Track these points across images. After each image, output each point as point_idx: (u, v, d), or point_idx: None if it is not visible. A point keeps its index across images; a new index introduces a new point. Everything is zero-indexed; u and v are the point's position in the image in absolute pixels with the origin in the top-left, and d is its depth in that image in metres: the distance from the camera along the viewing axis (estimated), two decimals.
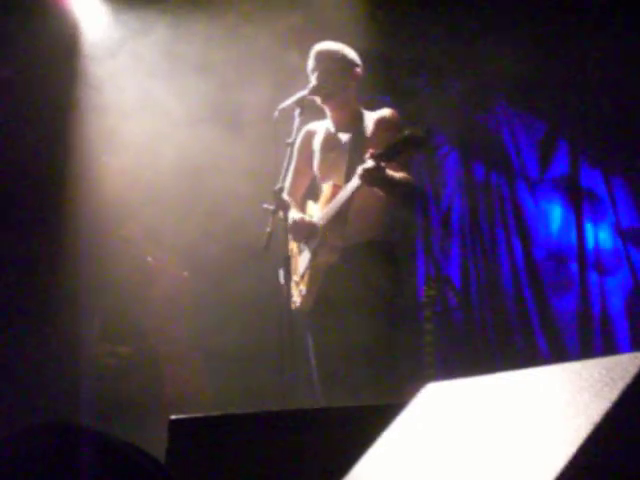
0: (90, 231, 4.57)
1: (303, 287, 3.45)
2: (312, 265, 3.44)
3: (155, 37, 4.66)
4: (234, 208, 4.52)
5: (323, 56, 3.54)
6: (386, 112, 3.57)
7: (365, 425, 1.73)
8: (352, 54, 3.60)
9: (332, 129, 3.63)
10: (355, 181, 3.25)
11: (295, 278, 3.46)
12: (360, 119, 3.56)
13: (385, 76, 4.92)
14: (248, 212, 4.18)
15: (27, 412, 4.18)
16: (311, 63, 3.56)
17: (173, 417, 2.06)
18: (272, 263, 3.58)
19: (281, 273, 3.42)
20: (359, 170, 3.21)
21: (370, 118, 3.56)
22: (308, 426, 2.08)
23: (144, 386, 4.51)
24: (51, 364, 4.36)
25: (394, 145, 3.13)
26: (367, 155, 3.19)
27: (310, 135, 3.67)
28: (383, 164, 3.17)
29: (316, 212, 3.53)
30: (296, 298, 3.45)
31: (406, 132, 3.12)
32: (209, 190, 4.68)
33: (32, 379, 4.30)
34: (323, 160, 3.60)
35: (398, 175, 3.33)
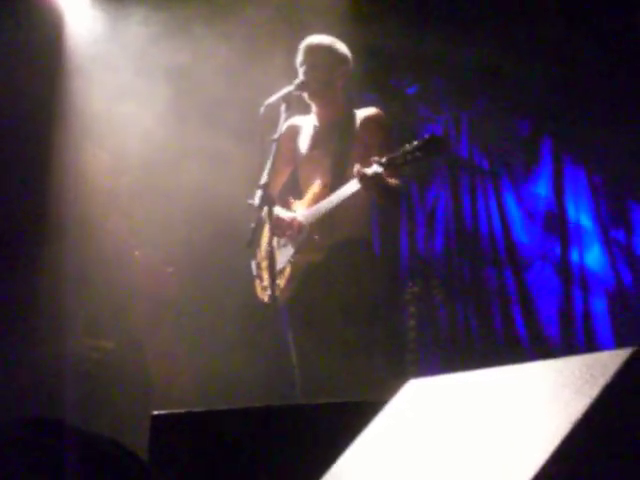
0: (75, 225, 4.54)
1: (281, 281, 3.43)
2: (293, 261, 3.42)
3: (140, 31, 4.64)
4: (219, 204, 4.51)
5: (312, 51, 3.48)
6: (371, 111, 3.54)
7: (347, 421, 1.73)
8: (343, 49, 3.53)
9: (318, 126, 3.59)
10: (354, 185, 3.20)
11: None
12: (347, 117, 3.53)
13: (371, 74, 4.91)
14: (233, 208, 4.17)
15: (9, 407, 4.15)
16: (300, 57, 3.50)
17: (155, 413, 2.05)
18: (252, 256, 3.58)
19: (253, 264, 3.43)
20: (359, 174, 3.14)
21: (357, 117, 3.54)
22: (290, 422, 2.08)
23: (128, 381, 4.49)
24: (34, 358, 4.33)
25: (404, 154, 3.05)
26: (374, 159, 3.12)
27: (293, 130, 3.60)
28: (384, 171, 3.12)
29: (299, 209, 3.50)
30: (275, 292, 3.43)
31: (421, 140, 3.03)
32: (194, 186, 4.66)
33: (15, 373, 4.27)
34: (307, 157, 3.57)
35: (393, 182, 3.30)
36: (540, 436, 1.21)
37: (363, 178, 3.13)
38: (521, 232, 5.43)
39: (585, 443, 1.18)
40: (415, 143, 3.04)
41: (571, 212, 5.33)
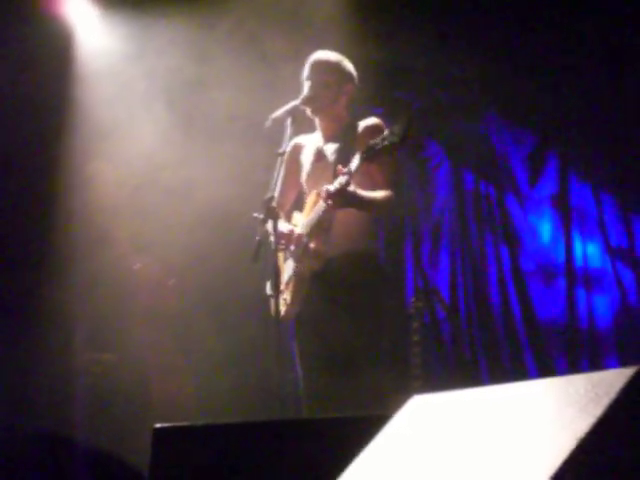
0: (77, 238, 4.55)
1: (288, 296, 3.43)
2: (296, 273, 3.42)
3: (151, 46, 4.67)
4: (223, 217, 4.51)
5: (318, 67, 3.50)
6: (370, 121, 3.53)
7: (350, 436, 1.72)
8: (349, 67, 3.56)
9: (321, 140, 3.61)
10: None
11: (280, 287, 3.44)
12: (349, 130, 3.54)
13: (378, 88, 4.92)
14: (237, 221, 4.17)
15: (18, 420, 4.15)
16: (306, 72, 3.52)
17: (157, 426, 2.05)
18: (260, 271, 3.57)
19: (268, 284, 3.40)
20: (322, 194, 3.17)
21: (358, 128, 3.55)
22: (293, 436, 2.07)
23: (130, 394, 4.49)
24: (37, 372, 4.33)
25: (362, 154, 3.07)
26: (337, 174, 3.15)
27: (298, 148, 3.64)
28: (350, 187, 3.12)
29: (300, 221, 3.52)
30: (281, 307, 3.43)
31: (377, 138, 3.07)
32: (198, 198, 4.67)
33: (18, 387, 4.27)
34: (311, 171, 3.59)
35: (378, 195, 3.31)
36: (544, 455, 1.21)
37: (324, 197, 3.17)
38: (527, 247, 5.43)
39: (589, 463, 1.17)
40: (376, 140, 3.09)
41: (576, 228, 5.32)
